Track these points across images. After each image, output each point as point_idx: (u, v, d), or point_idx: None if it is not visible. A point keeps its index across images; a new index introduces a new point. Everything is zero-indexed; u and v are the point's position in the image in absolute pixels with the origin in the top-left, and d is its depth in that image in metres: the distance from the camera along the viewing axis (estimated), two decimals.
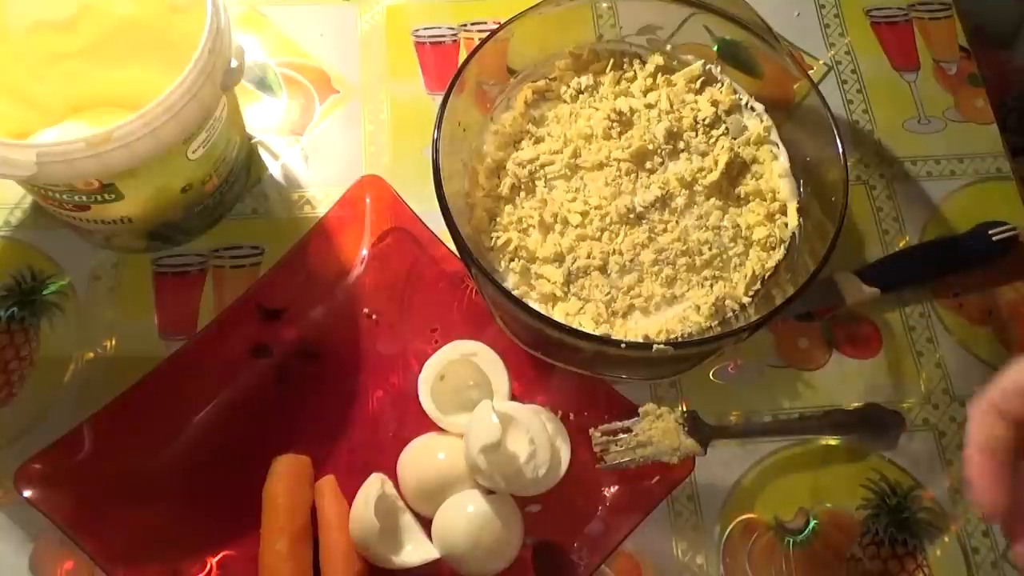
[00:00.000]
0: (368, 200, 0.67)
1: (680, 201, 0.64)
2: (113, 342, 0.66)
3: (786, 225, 0.64)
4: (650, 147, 0.65)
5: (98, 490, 0.58)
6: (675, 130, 0.66)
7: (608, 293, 0.61)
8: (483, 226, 0.63)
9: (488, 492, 0.58)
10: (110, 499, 0.58)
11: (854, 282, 0.67)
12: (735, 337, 0.57)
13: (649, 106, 0.67)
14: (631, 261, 0.62)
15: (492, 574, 0.57)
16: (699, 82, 0.68)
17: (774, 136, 0.67)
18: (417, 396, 0.61)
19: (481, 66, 0.64)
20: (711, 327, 0.61)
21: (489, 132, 0.66)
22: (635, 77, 0.68)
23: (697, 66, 0.68)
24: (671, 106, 0.67)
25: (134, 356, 0.65)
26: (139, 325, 0.66)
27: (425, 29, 0.78)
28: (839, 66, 0.78)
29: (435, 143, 0.59)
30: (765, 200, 0.64)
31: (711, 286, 0.62)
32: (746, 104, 0.68)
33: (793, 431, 0.65)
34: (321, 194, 0.72)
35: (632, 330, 0.61)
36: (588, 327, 0.60)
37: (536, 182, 0.64)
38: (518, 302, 0.57)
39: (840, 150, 0.60)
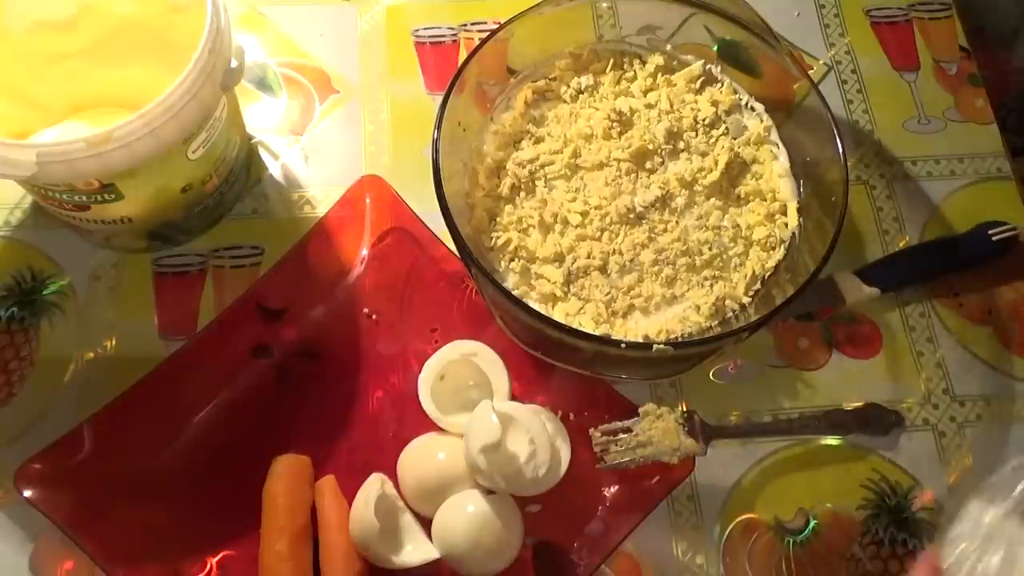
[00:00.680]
0: (368, 200, 0.67)
1: (680, 201, 0.64)
2: (113, 342, 0.66)
3: (786, 225, 0.64)
4: (650, 147, 0.65)
5: (98, 490, 0.58)
6: (675, 130, 0.66)
7: (608, 293, 0.61)
8: (483, 226, 0.63)
9: (488, 492, 0.58)
10: (110, 499, 0.58)
11: (854, 282, 0.67)
12: (735, 337, 0.57)
13: (649, 106, 0.67)
14: (631, 261, 0.62)
15: (492, 574, 0.57)
16: (699, 82, 0.68)
17: (774, 136, 0.67)
18: (417, 396, 0.61)
19: (481, 66, 0.64)
20: (711, 327, 0.61)
21: (489, 132, 0.66)
22: (635, 77, 0.68)
23: (697, 66, 0.68)
24: (671, 106, 0.67)
25: (134, 356, 0.65)
26: (139, 325, 0.66)
27: (425, 29, 0.78)
28: (839, 66, 0.78)
29: (435, 143, 0.59)
30: (765, 200, 0.64)
31: (711, 286, 0.62)
32: (746, 104, 0.68)
33: (793, 431, 0.65)
34: (321, 194, 0.72)
35: (632, 330, 0.61)
36: (588, 327, 0.60)
37: (536, 182, 0.64)
38: (518, 302, 0.57)
39: (840, 150, 0.60)
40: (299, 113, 0.75)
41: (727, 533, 0.62)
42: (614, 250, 0.62)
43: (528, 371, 0.64)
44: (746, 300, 0.62)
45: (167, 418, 0.61)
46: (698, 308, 0.61)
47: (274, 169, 0.73)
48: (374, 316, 0.66)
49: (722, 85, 0.68)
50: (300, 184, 0.72)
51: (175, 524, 0.59)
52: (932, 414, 0.66)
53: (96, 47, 0.66)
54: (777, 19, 0.72)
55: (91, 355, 0.66)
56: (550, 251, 0.62)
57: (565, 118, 0.67)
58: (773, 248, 0.63)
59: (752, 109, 0.68)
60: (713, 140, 0.66)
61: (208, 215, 0.68)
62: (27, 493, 0.57)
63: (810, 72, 0.76)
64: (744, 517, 0.63)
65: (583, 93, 0.68)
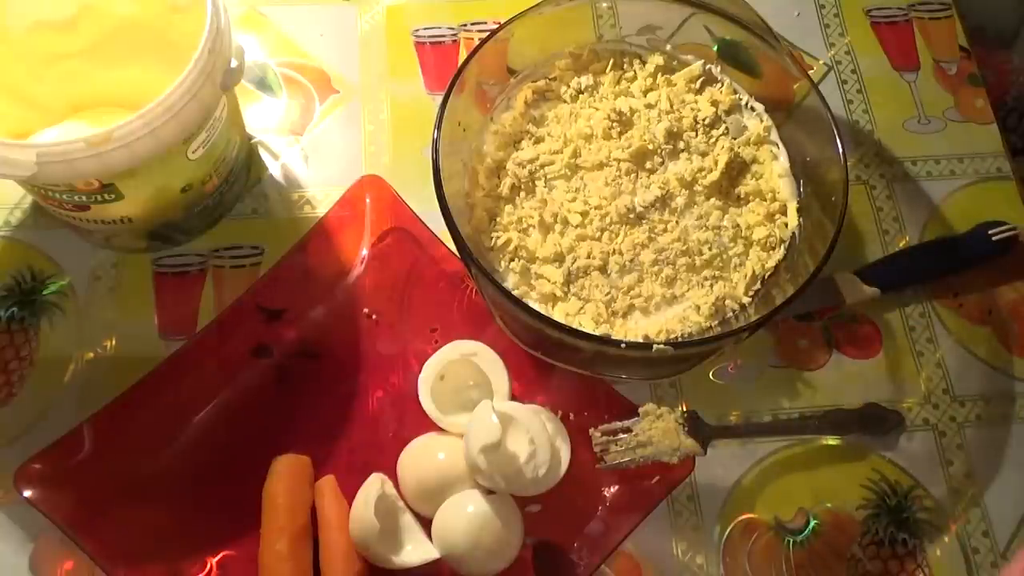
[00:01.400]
0: (368, 200, 0.67)
1: (680, 201, 0.64)
2: (113, 342, 0.66)
3: (786, 225, 0.64)
4: (650, 147, 0.65)
5: (98, 490, 0.58)
6: (675, 130, 0.66)
7: (608, 293, 0.61)
8: (483, 226, 0.63)
9: (488, 492, 0.58)
10: (110, 499, 0.58)
11: (854, 282, 0.67)
12: (735, 337, 0.57)
13: (649, 106, 0.67)
14: (631, 261, 0.62)
15: (492, 574, 0.57)
16: (699, 82, 0.68)
17: (774, 136, 0.67)
18: (417, 396, 0.61)
19: (481, 66, 0.64)
20: (711, 327, 0.61)
21: (489, 132, 0.66)
22: (635, 77, 0.68)
23: (697, 66, 0.68)
24: (671, 106, 0.67)
25: (134, 356, 0.65)
26: (139, 325, 0.66)
27: (425, 29, 0.78)
28: (839, 66, 0.78)
29: (435, 143, 0.59)
30: (765, 200, 0.64)
31: (711, 286, 0.62)
32: (746, 104, 0.68)
33: (793, 431, 0.65)
34: (321, 194, 0.72)
35: (632, 330, 0.61)
36: (588, 327, 0.60)
37: (536, 182, 0.64)
38: (518, 302, 0.57)
39: (840, 150, 0.60)
40: (299, 113, 0.75)
41: (727, 533, 0.62)
42: (614, 250, 0.62)
43: (528, 371, 0.64)
44: (746, 300, 0.62)
45: (167, 418, 0.61)
46: (698, 308, 0.61)
47: (274, 169, 0.73)
48: (374, 316, 0.66)
49: (722, 85, 0.68)
50: (300, 184, 0.72)
51: (175, 524, 0.59)
52: (932, 414, 0.66)
53: (96, 47, 0.66)
54: (777, 19, 0.72)
55: (91, 355, 0.66)
56: (550, 251, 0.62)
57: (565, 118, 0.67)
58: (773, 248, 0.63)
59: (752, 109, 0.68)
60: (713, 140, 0.66)
61: (208, 215, 0.68)
62: (27, 493, 0.57)
63: (810, 72, 0.76)
64: (744, 517, 0.63)
65: (583, 93, 0.68)
